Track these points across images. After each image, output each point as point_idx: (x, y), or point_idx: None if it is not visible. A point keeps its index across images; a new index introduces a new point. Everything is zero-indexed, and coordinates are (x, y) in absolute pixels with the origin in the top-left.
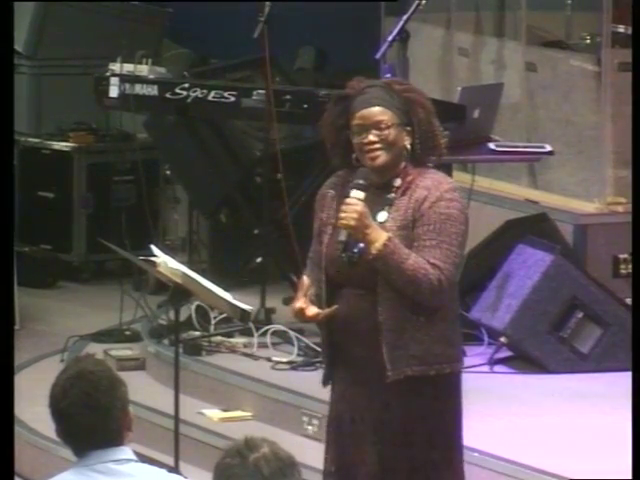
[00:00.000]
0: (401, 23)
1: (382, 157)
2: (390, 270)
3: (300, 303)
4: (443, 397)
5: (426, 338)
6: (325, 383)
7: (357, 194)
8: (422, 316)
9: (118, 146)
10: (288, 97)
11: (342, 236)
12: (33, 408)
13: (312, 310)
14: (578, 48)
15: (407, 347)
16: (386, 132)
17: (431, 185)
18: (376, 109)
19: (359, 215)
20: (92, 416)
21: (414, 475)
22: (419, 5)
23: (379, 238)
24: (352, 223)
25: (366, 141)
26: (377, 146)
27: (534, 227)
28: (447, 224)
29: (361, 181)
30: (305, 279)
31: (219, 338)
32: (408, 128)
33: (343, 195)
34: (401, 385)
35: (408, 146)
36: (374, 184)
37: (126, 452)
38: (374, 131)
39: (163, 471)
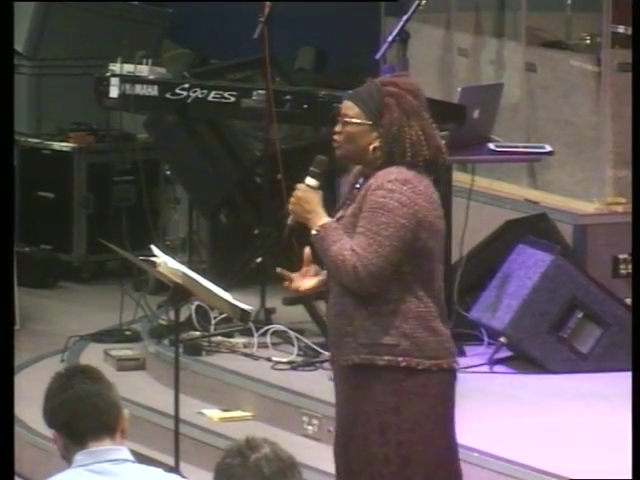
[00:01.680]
0: (401, 23)
1: (339, 150)
2: (321, 256)
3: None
4: (401, 392)
5: (375, 328)
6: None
7: (309, 181)
8: (370, 305)
9: (118, 146)
10: (288, 97)
11: (289, 220)
12: (33, 408)
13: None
14: (578, 48)
15: (356, 335)
16: (347, 127)
17: (380, 174)
18: (345, 103)
19: (297, 200)
20: (94, 389)
21: (368, 468)
22: (419, 5)
23: (315, 225)
24: (291, 207)
25: (333, 131)
26: (336, 137)
27: (534, 227)
28: (378, 213)
29: (314, 169)
30: (307, 250)
31: (219, 338)
32: (381, 130)
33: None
34: (358, 376)
35: (371, 147)
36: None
37: (123, 452)
38: (340, 124)
39: (159, 470)
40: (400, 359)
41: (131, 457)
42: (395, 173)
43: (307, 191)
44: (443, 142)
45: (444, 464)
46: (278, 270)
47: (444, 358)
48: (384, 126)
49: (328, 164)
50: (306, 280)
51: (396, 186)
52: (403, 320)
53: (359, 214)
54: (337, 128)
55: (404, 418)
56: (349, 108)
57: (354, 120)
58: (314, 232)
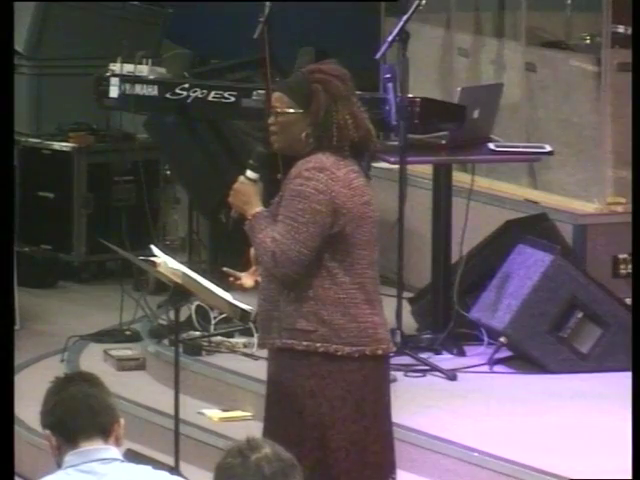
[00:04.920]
0: (401, 23)
1: (275, 142)
2: (252, 244)
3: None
4: (317, 376)
5: (295, 313)
6: None
7: (249, 174)
8: (292, 291)
9: (118, 146)
10: None
11: (232, 212)
12: (33, 408)
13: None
14: (578, 48)
15: (280, 319)
16: (278, 118)
17: (299, 163)
18: (275, 94)
19: (234, 192)
20: (91, 391)
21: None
22: (419, 5)
23: (248, 214)
24: (230, 200)
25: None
26: (272, 129)
27: (534, 227)
28: (295, 200)
29: (252, 162)
30: (252, 250)
31: (219, 338)
32: (311, 116)
33: None
34: (280, 359)
35: (303, 135)
36: None
37: (111, 452)
38: (272, 116)
39: (148, 468)
40: (318, 345)
41: (120, 456)
42: (313, 161)
43: (244, 183)
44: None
45: (358, 449)
46: (224, 269)
47: (367, 345)
48: (312, 112)
49: (267, 156)
50: (253, 278)
51: (313, 174)
52: (322, 306)
53: (280, 202)
54: (270, 120)
55: (319, 401)
56: (279, 99)
57: (285, 110)
58: (247, 221)
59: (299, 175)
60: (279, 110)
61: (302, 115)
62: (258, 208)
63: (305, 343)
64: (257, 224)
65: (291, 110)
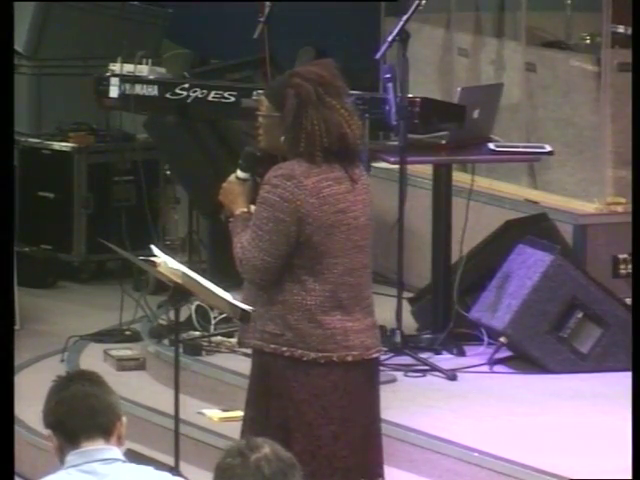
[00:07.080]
0: (401, 23)
1: (261, 142)
2: None
3: None
4: (283, 378)
5: (265, 315)
6: None
7: (238, 173)
8: (266, 294)
9: (118, 146)
10: None
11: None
12: (33, 408)
13: None
14: (578, 48)
15: (256, 320)
16: (261, 120)
17: (272, 169)
18: (261, 96)
19: (222, 191)
20: (92, 390)
21: None
22: (419, 5)
23: (233, 214)
24: (219, 198)
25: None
26: (258, 131)
27: (534, 227)
28: (261, 208)
29: (242, 162)
30: None
31: (219, 338)
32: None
33: None
34: (255, 359)
35: (282, 138)
36: None
37: (113, 452)
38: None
39: (149, 469)
40: (284, 349)
41: (121, 457)
42: (284, 168)
43: (232, 183)
44: (351, 130)
45: (325, 454)
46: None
47: (334, 351)
48: (283, 117)
49: (256, 156)
50: None
51: (280, 181)
52: (289, 311)
53: None
54: (257, 122)
55: (285, 404)
56: (262, 102)
57: (264, 113)
58: (229, 221)
59: (268, 182)
60: (260, 112)
61: (279, 119)
62: (241, 209)
63: (272, 346)
64: (236, 226)
65: (268, 113)
